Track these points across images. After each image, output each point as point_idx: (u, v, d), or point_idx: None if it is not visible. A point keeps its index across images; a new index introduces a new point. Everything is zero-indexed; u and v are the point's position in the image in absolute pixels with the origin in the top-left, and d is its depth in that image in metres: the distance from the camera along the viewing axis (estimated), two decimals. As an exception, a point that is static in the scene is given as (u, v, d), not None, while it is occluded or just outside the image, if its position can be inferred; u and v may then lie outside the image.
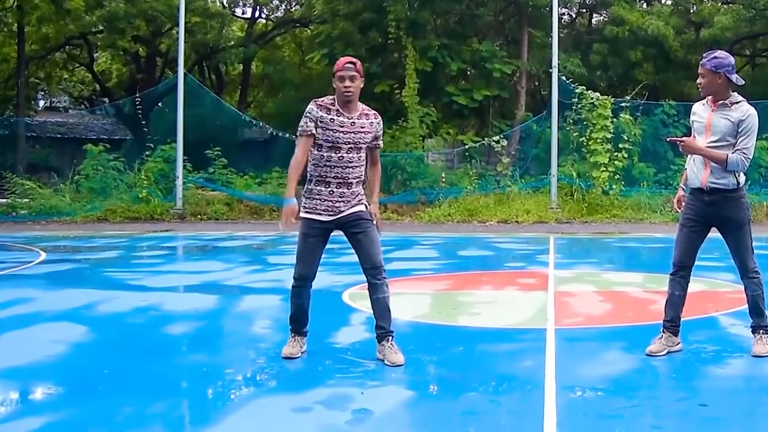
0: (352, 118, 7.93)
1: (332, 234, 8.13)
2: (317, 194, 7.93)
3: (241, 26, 50.78)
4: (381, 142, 8.20)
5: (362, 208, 8.04)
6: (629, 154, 30.37)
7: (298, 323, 8.28)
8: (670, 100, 34.01)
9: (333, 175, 7.90)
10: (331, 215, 7.93)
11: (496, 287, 13.84)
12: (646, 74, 38.31)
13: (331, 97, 7.98)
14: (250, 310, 11.64)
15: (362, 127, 7.96)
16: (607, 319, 11.01)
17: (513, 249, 20.14)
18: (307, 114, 7.85)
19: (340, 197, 7.92)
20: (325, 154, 7.87)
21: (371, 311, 8.18)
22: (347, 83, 7.86)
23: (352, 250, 8.14)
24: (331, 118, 7.86)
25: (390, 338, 8.08)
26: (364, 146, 7.96)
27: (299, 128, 7.89)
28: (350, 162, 7.91)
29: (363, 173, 8.04)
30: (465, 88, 37.76)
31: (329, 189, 7.91)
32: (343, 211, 7.95)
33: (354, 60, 8.00)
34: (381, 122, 8.18)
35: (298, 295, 8.16)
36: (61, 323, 10.60)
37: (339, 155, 7.87)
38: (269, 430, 6.25)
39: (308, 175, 8.00)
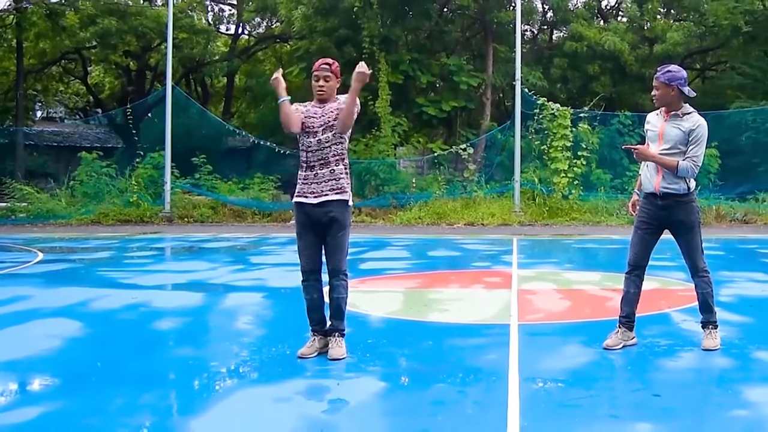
0: (323, 107, 8.05)
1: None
2: (304, 179, 7.97)
3: (225, 42, 50.88)
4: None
5: (347, 197, 8.05)
6: (587, 161, 30.49)
7: (312, 320, 8.20)
8: (625, 111, 34.22)
9: (315, 158, 7.94)
10: (316, 197, 7.92)
11: (463, 285, 13.81)
12: (603, 87, 38.46)
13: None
14: (234, 307, 11.59)
15: (330, 109, 8.04)
16: (566, 315, 11.02)
17: (479, 250, 20.12)
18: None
19: (322, 178, 7.94)
20: (305, 140, 7.97)
21: (348, 308, 8.15)
22: (321, 83, 8.02)
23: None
24: (307, 109, 8.05)
25: (337, 335, 8.08)
26: (335, 124, 8.00)
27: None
28: (327, 141, 7.96)
29: (341, 151, 8.04)
30: (434, 99, 37.82)
31: (314, 172, 7.94)
32: (327, 194, 7.94)
33: (330, 61, 8.13)
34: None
35: (306, 291, 8.11)
36: (57, 319, 10.56)
37: (317, 139, 7.93)
38: (251, 419, 6.22)
39: (299, 160, 8.10)
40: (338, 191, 7.96)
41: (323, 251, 8.11)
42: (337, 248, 8.02)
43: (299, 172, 8.05)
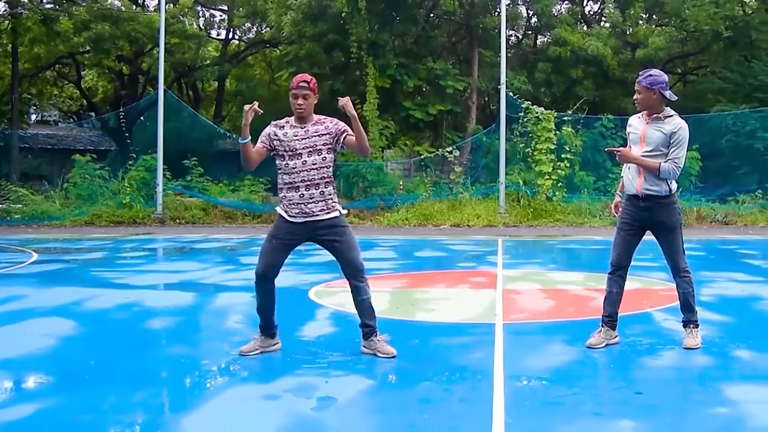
0: (305, 127, 7.97)
1: (299, 246, 8.12)
2: (289, 200, 7.91)
3: (216, 47, 50.96)
4: (350, 133, 8.06)
5: (337, 213, 8.04)
6: (571, 163, 30.53)
7: (261, 320, 8.20)
8: (608, 114, 34.23)
9: (300, 179, 7.89)
10: (304, 217, 7.89)
11: (449, 285, 13.81)
12: (586, 90, 38.66)
13: (287, 116, 8.08)
14: (224, 306, 11.58)
15: (316, 132, 7.96)
16: (550, 314, 11.02)
17: (464, 250, 20.11)
18: (263, 132, 8.09)
19: (310, 199, 7.88)
20: (289, 163, 7.90)
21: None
22: (300, 101, 7.94)
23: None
24: (285, 132, 7.96)
25: (377, 333, 8.12)
26: (324, 148, 7.93)
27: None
28: (314, 164, 7.91)
29: (329, 174, 8.01)
30: (421, 103, 37.86)
31: (299, 193, 7.88)
32: (318, 215, 7.92)
33: (308, 78, 8.04)
34: (339, 122, 8.13)
35: (258, 291, 8.08)
36: (52, 318, 10.54)
37: (302, 161, 7.89)
38: (241, 416, 6.22)
39: (279, 185, 8.02)
40: (329, 210, 7.96)
41: (335, 258, 8.14)
42: (350, 247, 8.07)
43: (281, 192, 8.00)
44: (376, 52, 35.57)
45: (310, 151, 7.91)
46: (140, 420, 6.13)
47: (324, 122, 8.05)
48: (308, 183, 7.89)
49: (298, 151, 7.89)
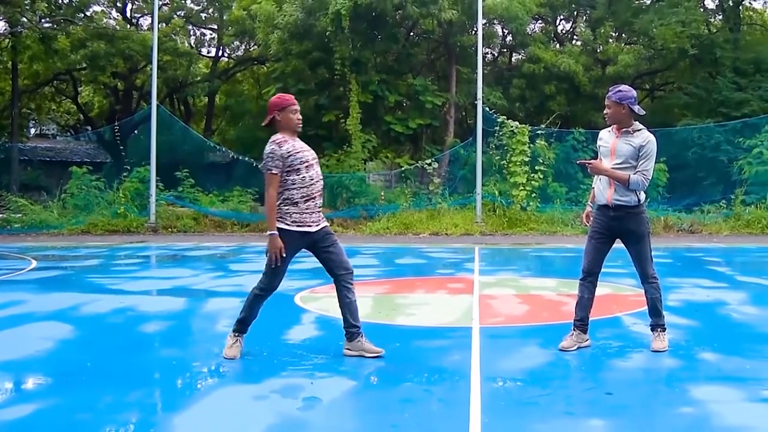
0: (297, 141, 7.94)
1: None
2: (307, 210, 7.84)
3: (206, 64, 50.99)
4: None
5: (326, 222, 8.11)
6: (544, 175, 30.60)
7: (245, 325, 8.20)
8: (579, 128, 34.40)
9: (316, 189, 7.90)
10: (317, 226, 7.93)
11: (428, 291, 13.81)
12: (558, 106, 38.77)
13: (279, 135, 7.87)
14: (214, 311, 11.55)
15: (306, 146, 8.00)
16: (525, 318, 11.01)
17: (443, 258, 20.12)
18: (270, 155, 7.72)
19: (318, 208, 7.96)
20: (306, 175, 7.80)
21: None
22: (299, 115, 7.94)
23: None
24: (292, 145, 7.81)
25: (362, 334, 8.12)
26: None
27: (267, 168, 7.73)
28: (319, 174, 7.98)
29: None
30: (401, 117, 37.88)
31: (315, 202, 7.91)
32: (321, 222, 8.00)
33: None
34: None
35: (261, 303, 8.11)
36: (50, 322, 10.54)
37: (315, 170, 7.90)
38: (230, 415, 6.21)
39: (290, 199, 7.82)
40: (323, 218, 8.07)
41: (323, 264, 8.13)
42: (342, 251, 8.11)
43: (297, 205, 7.81)
44: (359, 69, 35.58)
45: (317, 161, 7.96)
46: (134, 419, 6.11)
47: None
48: (320, 193, 7.97)
49: (310, 162, 7.88)
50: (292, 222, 7.81)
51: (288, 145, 7.79)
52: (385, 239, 26.69)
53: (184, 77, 45.10)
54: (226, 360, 8.01)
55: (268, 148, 7.76)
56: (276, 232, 7.71)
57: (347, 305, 8.09)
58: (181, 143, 38.26)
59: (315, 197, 7.90)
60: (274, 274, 7.99)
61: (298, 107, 7.96)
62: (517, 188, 29.78)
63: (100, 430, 5.85)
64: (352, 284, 8.12)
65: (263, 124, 8.01)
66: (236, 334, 8.18)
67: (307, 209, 7.85)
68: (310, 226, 7.87)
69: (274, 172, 7.71)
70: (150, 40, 34.20)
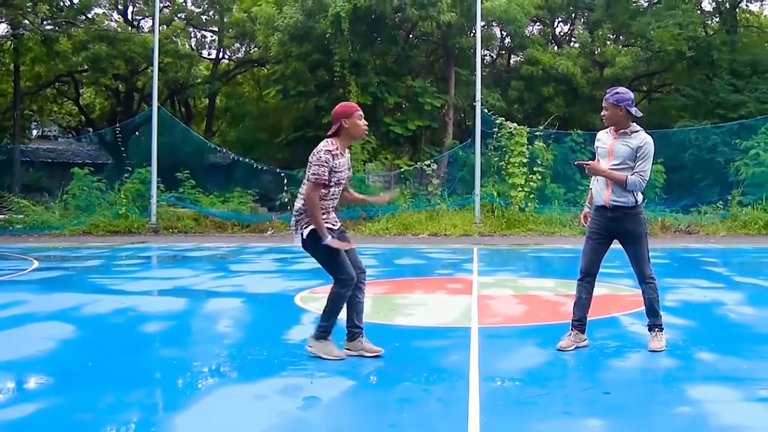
0: (344, 156, 7.88)
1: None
2: (326, 219, 7.82)
3: (207, 66, 50.91)
4: None
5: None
6: (542, 176, 30.56)
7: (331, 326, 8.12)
8: (577, 130, 34.37)
9: (333, 204, 7.93)
10: (335, 225, 7.96)
11: (427, 291, 13.82)
12: (557, 107, 38.76)
13: (333, 141, 7.75)
14: (215, 311, 11.55)
15: (347, 161, 7.95)
16: (523, 318, 11.01)
17: (442, 258, 20.10)
18: (324, 164, 7.60)
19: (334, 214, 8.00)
20: (332, 190, 7.79)
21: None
22: (365, 122, 7.89)
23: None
24: (340, 162, 7.73)
25: (363, 334, 8.12)
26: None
27: (316, 176, 7.59)
28: (339, 190, 7.98)
29: None
30: (400, 119, 37.86)
31: (332, 215, 7.93)
32: (337, 223, 8.05)
33: None
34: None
35: (345, 299, 8.01)
36: (52, 322, 10.53)
37: (340, 188, 7.88)
38: (231, 415, 6.20)
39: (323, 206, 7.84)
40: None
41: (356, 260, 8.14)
42: (356, 251, 8.17)
43: (325, 209, 7.83)
44: (359, 71, 35.56)
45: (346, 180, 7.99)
46: (135, 419, 6.11)
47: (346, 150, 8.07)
48: (336, 205, 8.04)
49: (341, 182, 7.86)
50: (329, 228, 7.85)
51: (340, 160, 7.72)
52: (384, 240, 26.65)
53: (184, 79, 45.08)
54: (226, 359, 8.01)
55: (322, 156, 7.63)
56: (329, 237, 7.70)
57: (355, 305, 8.09)
58: (182, 145, 38.24)
59: (330, 210, 7.91)
60: (347, 264, 7.89)
61: (362, 114, 7.87)
62: (515, 189, 29.75)
63: (101, 430, 5.85)
64: (364, 284, 8.15)
65: (329, 133, 7.82)
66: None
67: (329, 218, 7.88)
68: (333, 225, 7.91)
69: (322, 180, 7.62)
70: (151, 42, 34.13)
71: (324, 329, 7.98)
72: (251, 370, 7.68)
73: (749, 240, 26.18)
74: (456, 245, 24.25)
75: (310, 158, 7.70)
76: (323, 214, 7.77)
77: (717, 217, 29.61)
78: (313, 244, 7.74)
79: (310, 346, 8.04)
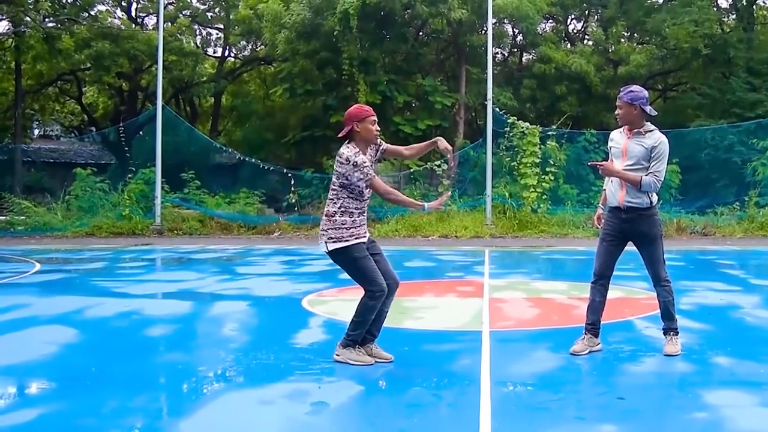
0: (367, 154, 7.93)
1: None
2: (360, 224, 7.89)
3: (212, 64, 50.92)
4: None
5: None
6: (555, 176, 30.52)
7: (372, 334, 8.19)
8: (591, 129, 34.28)
9: (364, 206, 7.96)
10: (366, 237, 7.97)
11: (437, 294, 13.84)
12: (570, 106, 38.70)
13: (353, 145, 7.82)
14: (220, 314, 11.56)
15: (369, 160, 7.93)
16: (535, 322, 11.02)
17: (452, 260, 20.10)
18: (365, 165, 7.68)
19: (365, 222, 8.02)
20: (364, 191, 7.82)
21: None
22: (377, 126, 7.92)
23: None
24: (364, 160, 7.79)
25: (375, 341, 8.12)
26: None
27: (367, 177, 7.70)
28: (370, 192, 7.98)
29: None
30: (410, 118, 37.83)
31: (363, 217, 7.94)
32: (367, 234, 8.08)
33: None
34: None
35: (376, 309, 7.98)
36: (54, 326, 10.52)
37: (369, 189, 7.88)
38: (237, 420, 6.21)
39: (346, 208, 7.86)
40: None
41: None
42: (388, 261, 8.24)
43: (351, 215, 7.84)
44: (367, 69, 35.55)
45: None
46: (139, 424, 6.13)
47: (372, 146, 8.10)
48: (367, 208, 8.08)
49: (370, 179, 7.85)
50: (350, 236, 7.83)
51: (363, 157, 7.77)
52: (393, 241, 26.64)
53: (189, 77, 45.04)
54: (233, 364, 8.03)
55: (358, 159, 7.69)
56: (424, 203, 8.10)
57: (378, 314, 8.04)
58: (187, 144, 38.26)
59: (365, 212, 7.96)
60: (377, 274, 7.91)
61: (376, 118, 7.90)
62: (527, 190, 29.74)
63: (105, 434, 5.87)
64: (393, 295, 8.11)
65: (339, 135, 7.90)
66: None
67: (361, 222, 7.91)
68: (363, 237, 7.91)
69: (371, 177, 7.75)
70: (155, 39, 34.22)
71: (352, 339, 8.00)
72: (258, 374, 7.69)
73: (766, 242, 26.14)
74: (467, 247, 24.25)
75: (338, 168, 7.78)
76: (360, 215, 7.91)
77: (733, 218, 29.57)
78: (341, 257, 7.87)
79: (337, 354, 8.04)
